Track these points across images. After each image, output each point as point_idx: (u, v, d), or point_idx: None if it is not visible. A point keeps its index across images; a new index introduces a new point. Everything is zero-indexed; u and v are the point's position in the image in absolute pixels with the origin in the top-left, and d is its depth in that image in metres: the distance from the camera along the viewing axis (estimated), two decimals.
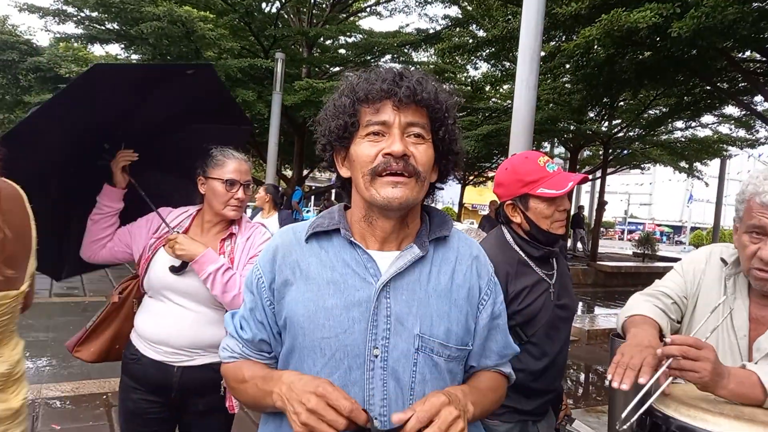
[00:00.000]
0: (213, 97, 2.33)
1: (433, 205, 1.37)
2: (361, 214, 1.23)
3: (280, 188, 8.25)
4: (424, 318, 1.18)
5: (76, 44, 14.98)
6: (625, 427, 1.33)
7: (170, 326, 2.04)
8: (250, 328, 1.27)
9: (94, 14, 13.78)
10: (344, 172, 1.24)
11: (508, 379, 1.39)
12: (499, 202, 2.01)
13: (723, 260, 1.68)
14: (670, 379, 1.37)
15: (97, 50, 15.79)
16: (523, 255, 1.89)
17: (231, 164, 2.10)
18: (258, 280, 1.25)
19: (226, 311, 2.07)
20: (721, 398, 1.39)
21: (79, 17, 14.09)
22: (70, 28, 14.71)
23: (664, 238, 51.43)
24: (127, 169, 2.20)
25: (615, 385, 1.30)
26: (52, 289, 9.24)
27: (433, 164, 1.21)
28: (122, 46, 15.00)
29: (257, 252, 2.15)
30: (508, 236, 1.93)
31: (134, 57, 14.86)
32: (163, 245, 2.07)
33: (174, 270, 2.03)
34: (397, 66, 1.21)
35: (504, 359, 1.36)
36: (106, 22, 14.08)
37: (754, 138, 16.79)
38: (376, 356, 1.15)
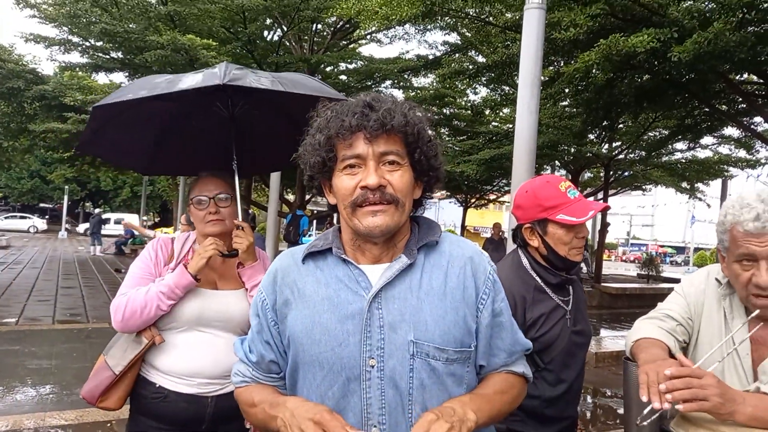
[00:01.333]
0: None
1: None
2: (349, 236, 1.29)
3: (251, 211, 8.25)
4: (418, 324, 1.20)
5: (80, 73, 15.18)
6: (645, 423, 1.37)
7: (205, 357, 2.01)
8: (257, 350, 1.33)
9: (99, 44, 14.02)
10: (332, 200, 1.30)
11: (525, 377, 1.38)
12: (516, 224, 1.99)
13: (717, 280, 1.69)
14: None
15: (102, 78, 16.02)
16: (540, 281, 1.87)
17: (199, 184, 2.12)
18: (262, 303, 1.33)
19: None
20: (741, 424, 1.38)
21: (84, 46, 14.33)
22: (75, 57, 15.01)
23: (667, 259, 51.17)
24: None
25: (657, 406, 1.32)
26: (55, 315, 9.22)
27: (413, 185, 1.26)
28: (126, 74, 15.22)
29: None
30: (525, 261, 1.91)
31: None
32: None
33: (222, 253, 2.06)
34: (368, 95, 1.24)
35: (514, 356, 1.35)
36: (111, 51, 14.31)
37: (754, 159, 16.85)
38: (373, 366, 1.18)
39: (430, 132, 1.26)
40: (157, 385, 2.02)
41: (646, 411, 1.37)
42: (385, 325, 1.19)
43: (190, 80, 1.97)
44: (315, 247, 1.30)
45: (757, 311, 1.52)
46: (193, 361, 2.01)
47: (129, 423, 2.10)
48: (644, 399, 1.34)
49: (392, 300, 1.21)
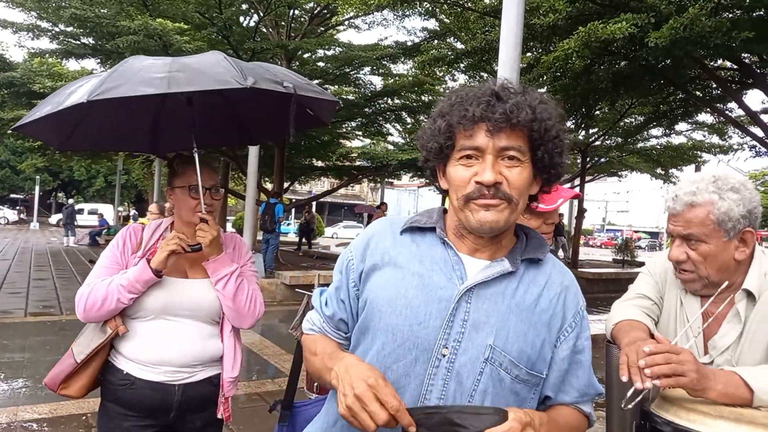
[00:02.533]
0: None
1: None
2: (454, 224, 1.26)
3: None
4: (500, 331, 1.17)
5: (51, 59, 14.76)
6: (630, 406, 1.36)
7: (172, 345, 1.98)
8: (332, 305, 1.33)
9: (69, 29, 13.64)
10: (443, 184, 1.26)
11: (589, 420, 1.34)
12: None
13: None
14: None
15: (72, 65, 15.61)
16: None
17: (192, 170, 2.06)
18: (348, 262, 1.31)
19: (218, 323, 2.08)
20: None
21: (53, 32, 13.92)
22: (44, 43, 14.58)
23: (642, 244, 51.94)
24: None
25: (639, 386, 1.32)
26: (27, 308, 9.03)
27: (530, 182, 1.20)
28: (98, 60, 14.84)
29: (246, 262, 2.16)
30: None
31: None
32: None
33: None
34: (496, 83, 1.18)
35: (585, 398, 1.31)
36: (82, 37, 13.93)
37: (727, 144, 17.18)
38: (444, 355, 1.16)
39: (559, 127, 1.19)
40: (125, 372, 1.99)
41: (629, 393, 1.37)
42: (469, 321, 1.16)
43: (76, 95, 1.82)
44: (417, 222, 1.28)
45: (695, 290, 1.61)
46: (159, 350, 1.98)
47: (99, 410, 2.07)
48: (624, 379, 1.35)
49: (483, 299, 1.18)
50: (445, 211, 1.32)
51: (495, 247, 1.24)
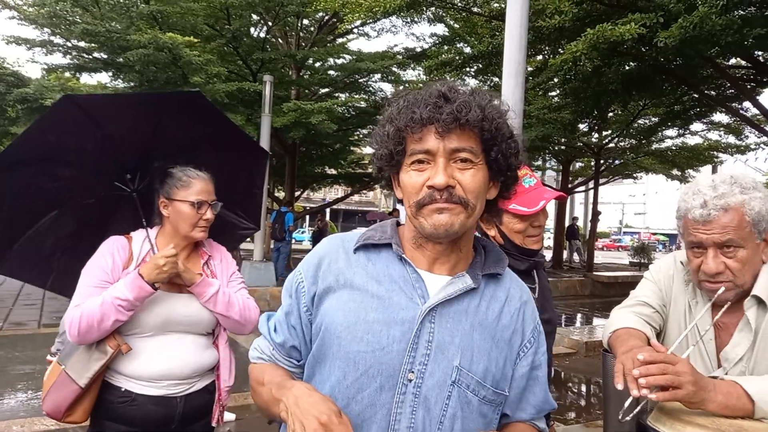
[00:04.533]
0: (208, 123, 2.28)
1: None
2: (411, 234, 1.20)
3: None
4: (465, 351, 1.12)
5: (67, 74, 14.99)
6: (628, 418, 1.29)
7: (172, 359, 1.96)
8: (282, 331, 1.24)
9: (81, 44, 13.85)
10: (399, 194, 1.19)
11: None
12: None
13: (683, 264, 1.67)
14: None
15: (86, 79, 15.83)
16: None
17: (197, 185, 2.03)
18: (299, 285, 1.22)
19: (212, 333, 2.09)
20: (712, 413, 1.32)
21: (66, 47, 14.15)
22: (57, 58, 14.75)
23: (660, 247, 50.81)
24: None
25: (635, 393, 1.25)
26: (41, 319, 9.10)
27: (486, 185, 1.15)
28: (110, 74, 15.05)
29: (234, 270, 2.18)
30: None
31: (122, 85, 14.89)
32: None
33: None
34: (444, 84, 1.13)
35: (541, 414, 1.28)
36: (94, 52, 14.14)
37: (743, 144, 16.90)
38: (410, 380, 1.10)
39: (510, 127, 1.15)
40: (123, 389, 1.95)
41: (627, 404, 1.30)
42: (434, 342, 1.11)
43: None
44: (371, 239, 1.21)
45: (727, 300, 1.50)
46: (160, 365, 1.95)
47: (91, 429, 2.00)
48: (619, 387, 1.27)
49: (446, 318, 1.13)
50: (398, 224, 1.26)
51: (455, 258, 1.19)
